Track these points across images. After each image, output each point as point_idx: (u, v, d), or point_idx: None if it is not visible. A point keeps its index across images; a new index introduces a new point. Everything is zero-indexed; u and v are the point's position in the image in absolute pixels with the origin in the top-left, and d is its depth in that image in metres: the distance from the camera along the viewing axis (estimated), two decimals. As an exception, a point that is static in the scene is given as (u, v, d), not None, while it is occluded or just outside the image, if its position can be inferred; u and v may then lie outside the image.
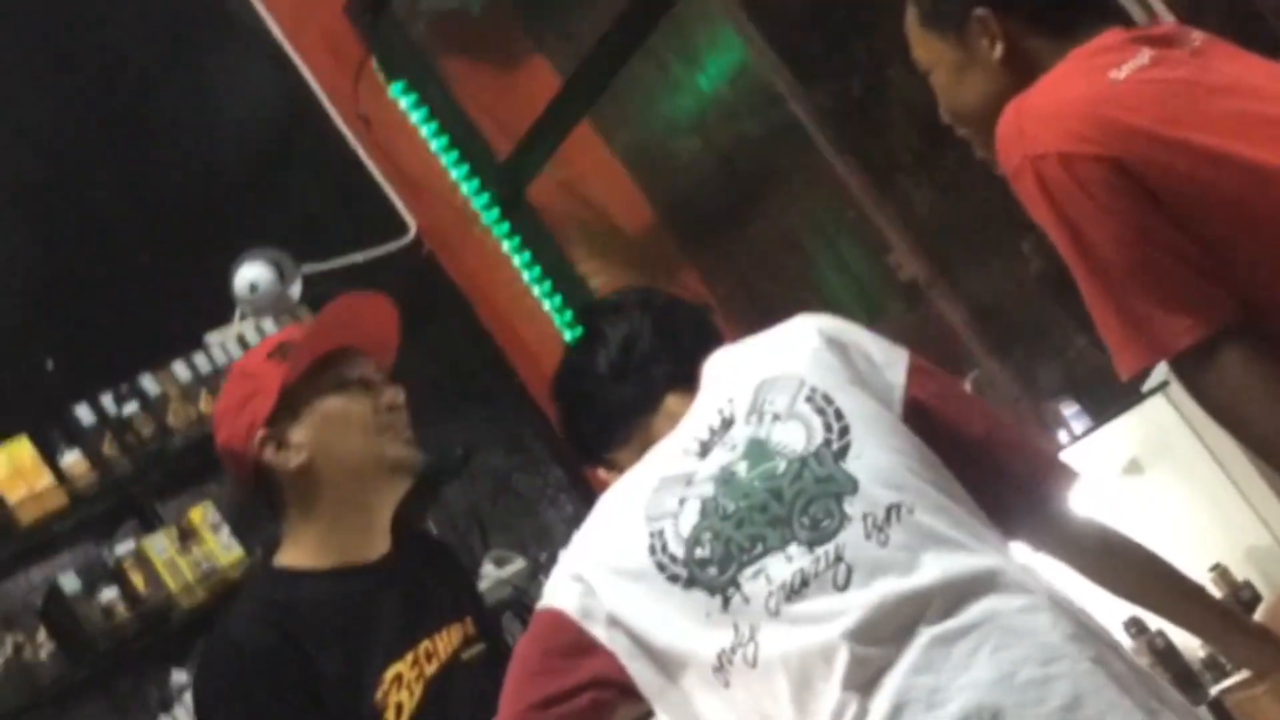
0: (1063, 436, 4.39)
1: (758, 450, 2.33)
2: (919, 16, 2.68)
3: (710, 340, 2.60)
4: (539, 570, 4.96)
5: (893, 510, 2.24)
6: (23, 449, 4.91)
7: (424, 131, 5.61)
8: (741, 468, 2.32)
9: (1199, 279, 2.32)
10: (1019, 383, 5.34)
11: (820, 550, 2.23)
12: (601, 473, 2.62)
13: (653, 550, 2.32)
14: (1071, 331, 6.31)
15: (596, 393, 2.58)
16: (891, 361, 2.42)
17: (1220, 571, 3.64)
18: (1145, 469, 3.72)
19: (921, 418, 2.37)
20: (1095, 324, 2.41)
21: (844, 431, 2.30)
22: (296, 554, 2.93)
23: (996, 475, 2.40)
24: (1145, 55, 2.45)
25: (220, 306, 5.16)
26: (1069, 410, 4.52)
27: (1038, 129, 2.39)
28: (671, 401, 2.51)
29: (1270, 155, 2.33)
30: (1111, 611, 3.05)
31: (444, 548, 3.44)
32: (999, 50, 2.59)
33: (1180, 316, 2.32)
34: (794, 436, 2.32)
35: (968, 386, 4.71)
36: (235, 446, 2.92)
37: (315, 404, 2.91)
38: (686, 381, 2.51)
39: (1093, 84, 2.42)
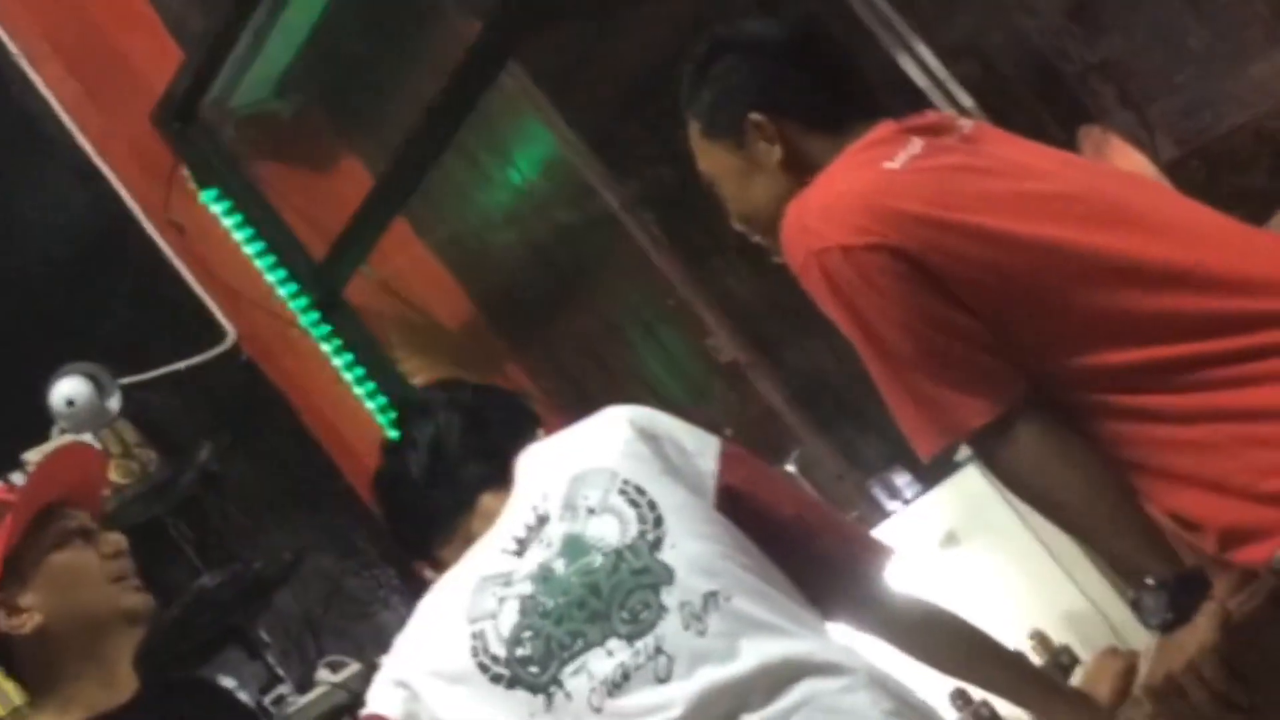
0: (896, 505, 4.45)
1: (574, 546, 2.34)
2: (699, 129, 2.74)
3: (524, 429, 2.62)
4: (374, 673, 4.92)
5: (710, 599, 2.26)
6: None
7: (238, 237, 5.59)
8: (559, 565, 2.34)
9: (987, 358, 2.38)
10: (844, 459, 5.39)
11: (640, 643, 2.25)
12: (428, 572, 2.63)
13: (475, 652, 2.33)
14: (892, 404, 6.41)
15: (411, 499, 2.60)
16: (703, 449, 2.45)
17: (1039, 638, 3.70)
18: (961, 540, 3.79)
19: (734, 503, 2.40)
20: (890, 410, 2.46)
21: (658, 522, 2.32)
22: (45, 717, 2.86)
23: (810, 558, 2.43)
24: (917, 144, 2.52)
25: (37, 423, 5.09)
26: (901, 479, 4.58)
27: (818, 224, 2.44)
28: (486, 500, 2.52)
29: (1041, 229, 2.40)
30: (936, 685, 3.09)
31: (218, 696, 3.37)
32: (778, 152, 2.65)
33: (972, 397, 2.37)
34: (609, 530, 2.33)
35: (791, 467, 4.76)
36: None
37: (41, 564, 2.84)
38: (500, 479, 2.53)
39: (868, 176, 2.49)
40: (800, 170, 2.61)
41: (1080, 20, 4.80)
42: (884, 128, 2.61)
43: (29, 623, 2.83)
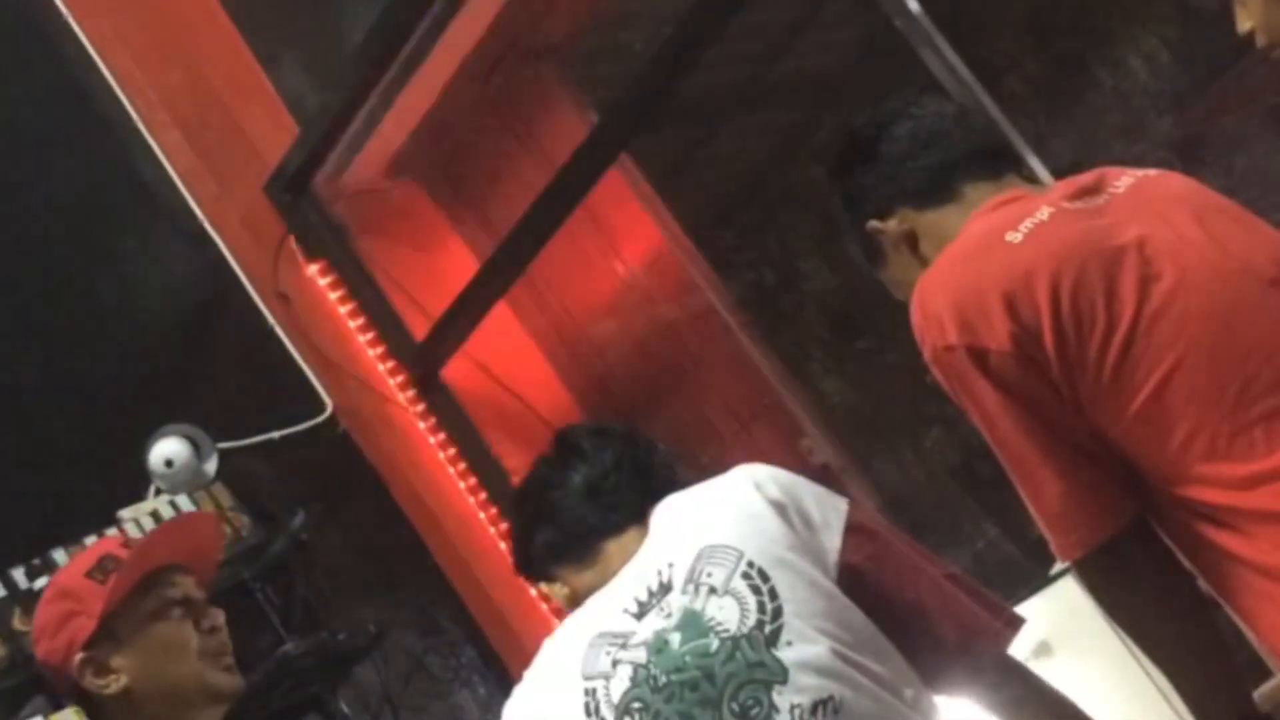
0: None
1: (692, 623, 2.34)
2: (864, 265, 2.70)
3: (672, 487, 2.59)
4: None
5: (820, 706, 2.25)
6: (-69, 623, 4.84)
7: (342, 310, 5.66)
8: (675, 638, 2.33)
9: (1099, 472, 2.35)
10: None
11: (746, 740, 2.25)
12: (542, 587, 2.65)
13: (588, 711, 2.34)
14: (981, 521, 6.39)
15: (563, 506, 2.59)
16: (829, 522, 2.40)
17: (1131, 753, 3.66)
18: (1055, 651, 3.75)
19: (854, 583, 2.37)
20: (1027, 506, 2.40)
21: (777, 614, 2.31)
22: None
23: (923, 643, 2.39)
24: (1045, 211, 2.42)
25: (135, 483, 5.14)
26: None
27: (939, 315, 2.38)
28: (629, 536, 2.53)
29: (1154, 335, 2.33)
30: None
31: None
32: (907, 244, 2.59)
33: (1090, 514, 2.35)
34: (728, 614, 2.32)
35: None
36: (54, 663, 2.88)
37: (138, 630, 2.85)
38: (644, 522, 2.53)
39: (989, 261, 2.39)
40: (938, 248, 2.53)
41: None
42: (1014, 190, 2.53)
43: (114, 684, 2.83)
